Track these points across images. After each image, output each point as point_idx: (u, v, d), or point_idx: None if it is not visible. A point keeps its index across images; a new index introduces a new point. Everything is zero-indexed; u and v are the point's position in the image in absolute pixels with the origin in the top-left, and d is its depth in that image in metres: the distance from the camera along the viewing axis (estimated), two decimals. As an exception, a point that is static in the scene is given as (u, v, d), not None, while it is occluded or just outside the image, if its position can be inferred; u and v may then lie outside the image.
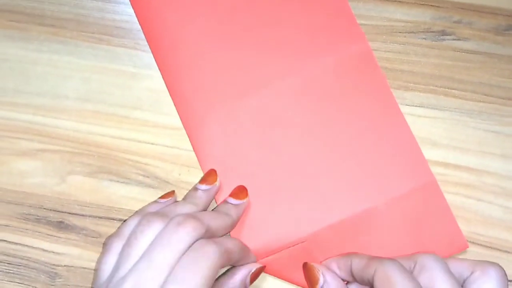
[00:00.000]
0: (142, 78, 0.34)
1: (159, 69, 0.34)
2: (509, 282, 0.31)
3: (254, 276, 0.30)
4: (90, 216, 0.32)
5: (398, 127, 0.32)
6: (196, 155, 0.32)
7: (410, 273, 0.26)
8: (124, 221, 0.30)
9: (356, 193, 0.32)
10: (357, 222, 0.31)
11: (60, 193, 0.32)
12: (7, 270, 0.31)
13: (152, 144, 0.33)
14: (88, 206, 0.32)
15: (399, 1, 0.35)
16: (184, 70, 0.33)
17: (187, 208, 0.29)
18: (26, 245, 0.32)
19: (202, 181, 0.31)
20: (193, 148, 0.33)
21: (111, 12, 0.35)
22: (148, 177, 0.33)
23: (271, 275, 0.31)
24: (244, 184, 0.32)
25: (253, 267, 0.30)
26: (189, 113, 0.33)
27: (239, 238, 0.31)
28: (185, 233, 0.26)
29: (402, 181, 0.32)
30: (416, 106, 0.33)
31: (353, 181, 0.32)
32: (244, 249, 0.30)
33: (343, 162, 0.32)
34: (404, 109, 0.33)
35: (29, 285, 0.32)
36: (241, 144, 0.31)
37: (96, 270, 0.28)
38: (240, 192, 0.31)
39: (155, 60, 0.34)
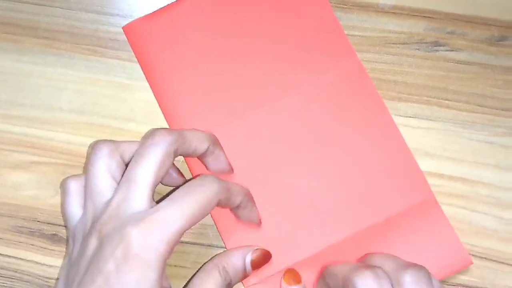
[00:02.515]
0: (136, 90, 0.34)
1: (153, 93, 0.33)
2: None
3: (257, 261, 0.29)
4: (84, 228, 0.32)
5: (396, 145, 0.32)
6: (191, 173, 0.32)
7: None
8: None
9: (355, 212, 0.31)
10: (357, 241, 0.31)
11: (54, 205, 0.32)
12: (0, 283, 0.31)
13: (146, 156, 0.33)
14: (82, 219, 0.32)
15: (393, 13, 0.35)
16: (178, 94, 0.33)
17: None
18: (20, 258, 0.32)
19: None
20: (189, 169, 0.32)
21: (105, 24, 0.35)
22: (142, 189, 0.33)
23: None
24: None
25: (257, 247, 0.30)
26: None
27: None
28: (158, 145, 0.26)
29: (401, 198, 0.31)
30: (409, 117, 0.34)
31: (352, 200, 0.31)
32: (249, 196, 0.30)
33: (342, 181, 0.32)
34: (397, 120, 0.33)
35: (22, 298, 0.31)
36: (240, 164, 0.31)
37: (65, 215, 0.28)
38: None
39: (150, 85, 0.34)
